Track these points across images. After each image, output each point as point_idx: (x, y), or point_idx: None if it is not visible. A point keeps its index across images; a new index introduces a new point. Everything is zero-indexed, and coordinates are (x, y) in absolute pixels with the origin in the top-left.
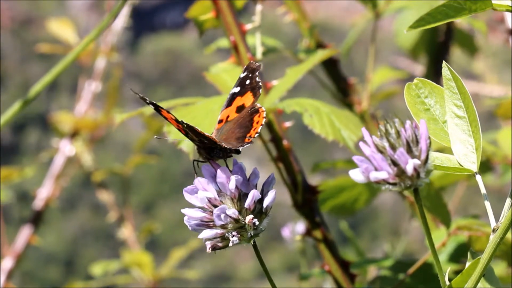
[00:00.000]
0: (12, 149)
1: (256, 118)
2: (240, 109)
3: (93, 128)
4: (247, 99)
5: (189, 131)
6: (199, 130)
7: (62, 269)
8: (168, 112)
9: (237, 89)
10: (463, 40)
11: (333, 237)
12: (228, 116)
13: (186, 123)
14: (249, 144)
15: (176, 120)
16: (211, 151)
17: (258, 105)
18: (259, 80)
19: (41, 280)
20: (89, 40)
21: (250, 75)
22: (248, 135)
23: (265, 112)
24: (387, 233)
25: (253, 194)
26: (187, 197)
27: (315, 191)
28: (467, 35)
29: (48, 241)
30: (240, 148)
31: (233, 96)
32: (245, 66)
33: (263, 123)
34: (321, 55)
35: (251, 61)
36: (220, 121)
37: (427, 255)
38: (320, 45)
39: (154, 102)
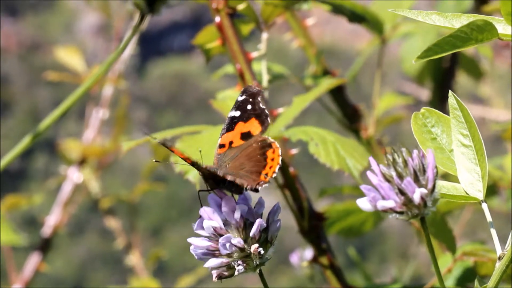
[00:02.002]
0: (20, 174)
1: (270, 154)
2: (245, 136)
3: (100, 155)
4: (253, 127)
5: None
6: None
7: None
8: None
9: (236, 113)
10: (469, 66)
11: (339, 264)
12: (231, 142)
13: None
14: (266, 185)
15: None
16: (220, 183)
17: (270, 139)
18: (264, 106)
19: None
20: (98, 76)
21: (250, 99)
22: (264, 173)
23: (280, 150)
24: (395, 256)
25: (258, 224)
26: (195, 229)
27: (321, 217)
28: (472, 60)
29: (57, 266)
30: (259, 188)
31: (233, 120)
32: (242, 89)
33: (279, 162)
34: (327, 84)
35: (250, 85)
36: (222, 146)
37: (434, 280)
38: (326, 72)
39: (162, 140)
